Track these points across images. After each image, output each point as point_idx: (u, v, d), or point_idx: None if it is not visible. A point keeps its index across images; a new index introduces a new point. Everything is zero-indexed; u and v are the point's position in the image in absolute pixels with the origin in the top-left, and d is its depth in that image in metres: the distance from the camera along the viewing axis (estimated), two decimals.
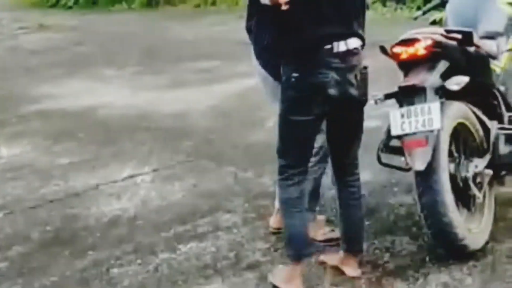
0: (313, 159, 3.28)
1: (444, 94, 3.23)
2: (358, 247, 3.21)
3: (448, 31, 3.37)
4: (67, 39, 11.05)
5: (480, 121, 3.39)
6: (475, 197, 3.30)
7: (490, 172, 3.36)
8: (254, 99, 5.80)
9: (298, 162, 3.05)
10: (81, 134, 5.87)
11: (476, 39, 3.41)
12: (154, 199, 4.36)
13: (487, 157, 3.38)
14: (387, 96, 3.30)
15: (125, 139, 5.62)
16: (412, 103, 3.15)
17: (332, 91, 2.92)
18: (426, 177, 3.10)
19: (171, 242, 3.73)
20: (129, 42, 10.39)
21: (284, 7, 2.78)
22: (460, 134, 3.32)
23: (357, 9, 3.00)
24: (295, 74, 2.94)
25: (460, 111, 3.29)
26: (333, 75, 2.91)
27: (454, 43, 3.32)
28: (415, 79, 3.20)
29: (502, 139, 3.43)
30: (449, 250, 3.23)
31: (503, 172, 3.51)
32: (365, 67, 3.03)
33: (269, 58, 3.22)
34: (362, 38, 2.99)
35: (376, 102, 3.28)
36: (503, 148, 3.43)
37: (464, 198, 3.29)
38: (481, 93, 3.49)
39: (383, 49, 3.36)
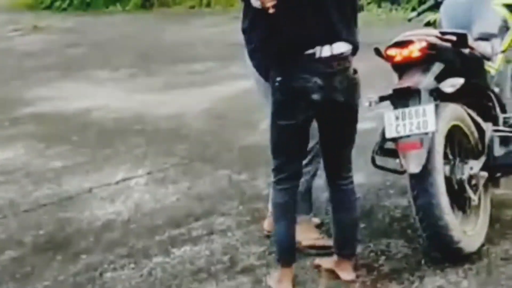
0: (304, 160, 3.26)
1: (438, 96, 3.22)
2: (350, 251, 3.20)
3: (442, 33, 3.37)
4: (61, 41, 11.00)
5: (475, 123, 3.38)
6: (471, 200, 3.29)
7: (485, 174, 3.34)
8: (248, 101, 5.77)
9: (286, 166, 3.03)
10: (75, 137, 5.85)
11: (470, 41, 3.41)
12: (148, 202, 4.33)
13: (482, 159, 3.37)
14: (382, 99, 3.28)
15: (119, 142, 5.59)
16: (406, 106, 3.14)
17: (316, 96, 2.90)
18: (421, 179, 3.09)
19: (165, 246, 3.71)
20: (123, 44, 10.36)
21: (270, 11, 2.80)
22: (455, 136, 3.30)
23: (346, 14, 2.95)
24: (278, 78, 2.94)
25: (454, 113, 3.28)
26: (316, 80, 2.89)
27: (448, 45, 3.31)
28: (409, 81, 3.19)
29: (497, 141, 3.42)
30: (444, 253, 3.21)
31: (498, 174, 3.49)
32: (355, 72, 3.00)
33: (260, 60, 3.21)
34: (352, 43, 2.96)
35: (370, 105, 3.27)
36: (498, 150, 3.42)
37: (459, 200, 3.28)
38: (475, 95, 3.48)
39: (377, 51, 3.35)
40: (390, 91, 3.24)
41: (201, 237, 3.77)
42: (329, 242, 3.38)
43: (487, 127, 3.42)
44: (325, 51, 2.89)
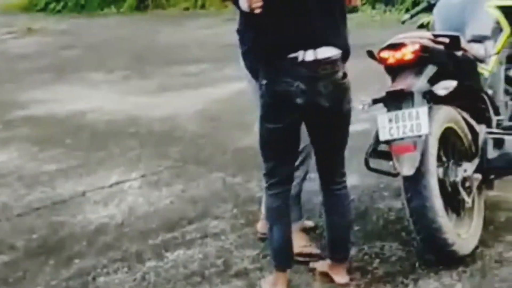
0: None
1: (432, 98, 3.21)
2: (343, 255, 3.18)
3: (435, 35, 3.36)
4: (55, 44, 10.99)
5: (468, 125, 3.37)
6: (464, 202, 3.28)
7: (479, 176, 3.34)
8: (243, 102, 5.76)
9: (277, 170, 3.02)
10: (69, 140, 5.83)
11: (463, 43, 3.40)
12: (142, 205, 4.32)
13: (476, 161, 3.36)
14: (375, 101, 3.28)
15: (112, 145, 5.58)
16: (400, 108, 3.13)
17: (299, 100, 2.88)
18: (415, 182, 3.08)
19: (158, 250, 3.70)
20: (117, 46, 10.35)
21: (257, 11, 2.81)
22: (448, 138, 3.30)
23: (334, 18, 2.91)
24: (264, 81, 2.94)
25: (448, 115, 3.27)
26: (298, 84, 2.86)
27: (441, 47, 3.30)
28: (402, 84, 3.18)
29: (490, 143, 3.41)
30: (438, 255, 3.20)
31: (492, 176, 3.49)
32: (344, 77, 2.94)
33: (252, 61, 3.20)
34: (341, 47, 2.92)
35: (363, 107, 3.26)
36: (492, 152, 3.41)
37: (453, 203, 3.27)
38: (469, 97, 3.48)
39: (370, 54, 3.34)
40: (383, 94, 3.24)
41: (194, 241, 3.75)
42: (316, 250, 3.38)
43: (481, 129, 3.41)
44: (308, 55, 2.85)
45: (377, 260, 3.33)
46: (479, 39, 3.67)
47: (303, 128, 3.05)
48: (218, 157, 5.06)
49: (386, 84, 3.34)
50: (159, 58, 9.00)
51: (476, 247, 3.28)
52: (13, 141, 5.93)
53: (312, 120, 2.98)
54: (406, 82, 3.18)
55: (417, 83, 3.17)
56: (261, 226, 3.63)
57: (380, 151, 3.31)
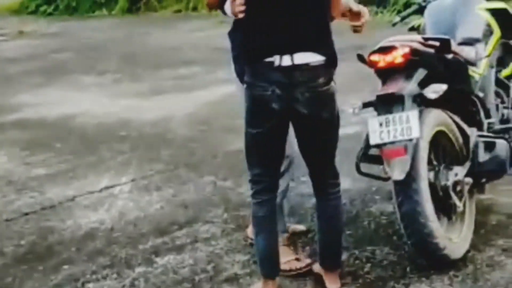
0: None
1: (422, 102, 3.19)
2: (335, 263, 3.14)
3: (425, 39, 3.34)
4: (46, 46, 10.94)
5: (459, 129, 3.35)
6: (456, 206, 3.26)
7: (470, 180, 3.32)
8: (234, 106, 5.73)
9: (262, 177, 2.99)
10: (58, 144, 5.79)
11: (454, 46, 3.38)
12: (132, 210, 4.28)
13: (467, 164, 3.34)
14: (365, 105, 3.26)
15: (103, 149, 5.54)
16: (390, 112, 3.11)
17: (275, 106, 2.83)
18: (406, 186, 3.06)
19: (148, 255, 3.66)
20: (109, 48, 10.31)
21: (240, 15, 2.82)
22: (439, 142, 3.28)
23: (317, 23, 2.84)
24: (245, 85, 2.93)
25: (439, 118, 3.26)
26: (274, 89, 2.81)
27: (431, 50, 3.28)
28: (393, 88, 3.16)
29: (481, 147, 3.39)
30: (430, 260, 3.18)
31: (483, 180, 3.47)
32: (326, 83, 2.84)
33: (241, 66, 3.18)
34: (324, 54, 2.84)
35: (354, 111, 3.24)
36: (483, 156, 3.39)
37: (444, 207, 3.25)
38: (460, 100, 3.46)
39: (360, 57, 3.32)
40: (373, 97, 3.22)
41: (185, 246, 3.72)
42: (305, 261, 3.32)
43: (472, 132, 3.40)
44: (285, 60, 2.80)
45: (369, 265, 3.31)
46: (470, 42, 3.66)
47: (291, 135, 3.02)
48: (209, 161, 5.03)
49: (377, 87, 3.32)
50: (150, 60, 8.97)
51: (468, 251, 3.27)
52: (2, 145, 5.89)
53: (295, 125, 2.95)
54: (397, 86, 3.16)
55: (408, 87, 3.15)
56: (252, 231, 3.59)
57: (371, 155, 3.29)
